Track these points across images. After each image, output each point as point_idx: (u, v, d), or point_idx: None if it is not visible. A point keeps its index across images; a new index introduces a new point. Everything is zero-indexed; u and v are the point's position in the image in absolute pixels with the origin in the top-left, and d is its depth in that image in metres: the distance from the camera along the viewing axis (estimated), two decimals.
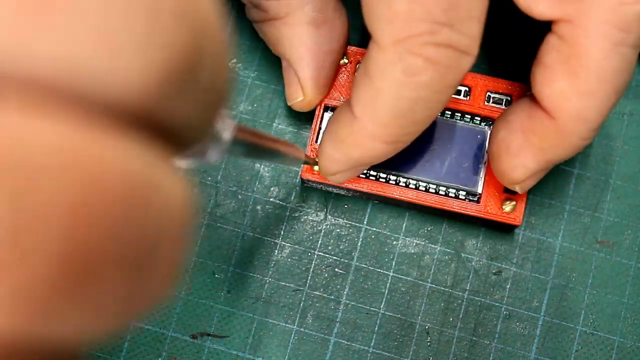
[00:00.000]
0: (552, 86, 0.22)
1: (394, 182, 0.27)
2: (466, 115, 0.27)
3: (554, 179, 0.29)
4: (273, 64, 0.30)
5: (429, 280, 0.28)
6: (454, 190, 0.27)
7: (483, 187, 0.27)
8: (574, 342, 0.28)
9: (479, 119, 0.27)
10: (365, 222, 0.29)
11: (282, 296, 0.28)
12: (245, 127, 0.16)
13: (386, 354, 0.28)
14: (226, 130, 0.14)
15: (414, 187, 0.27)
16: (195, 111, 0.09)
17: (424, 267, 0.29)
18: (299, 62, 0.26)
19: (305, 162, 0.26)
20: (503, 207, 0.27)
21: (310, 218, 0.29)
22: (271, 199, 0.29)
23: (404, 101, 0.20)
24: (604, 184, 0.29)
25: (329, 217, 0.29)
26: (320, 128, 0.27)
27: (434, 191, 0.27)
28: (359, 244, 0.29)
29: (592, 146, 0.29)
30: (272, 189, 0.29)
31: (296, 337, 0.28)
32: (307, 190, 0.29)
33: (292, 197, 0.29)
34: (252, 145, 0.17)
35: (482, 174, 0.27)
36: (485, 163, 0.27)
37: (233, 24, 0.30)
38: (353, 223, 0.29)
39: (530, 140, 0.23)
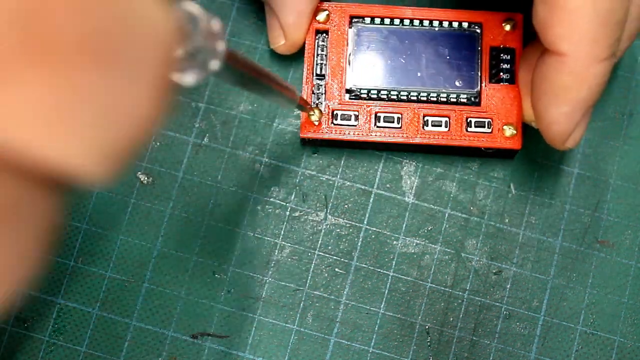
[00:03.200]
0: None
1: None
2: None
3: (554, 179, 0.29)
4: (273, 64, 0.30)
5: (429, 280, 0.28)
6: (454, 96, 0.27)
7: (481, 86, 0.28)
8: (574, 342, 0.28)
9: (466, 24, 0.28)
10: (365, 222, 0.29)
11: (282, 296, 0.28)
12: (238, 54, 0.16)
13: (386, 354, 0.28)
14: (218, 52, 0.14)
15: (418, 98, 0.28)
16: None
17: (424, 267, 0.29)
18: (281, 7, 0.27)
19: (299, 107, 0.26)
20: (504, 131, 0.27)
21: (310, 218, 0.29)
22: (271, 199, 0.29)
23: (602, 2, 0.21)
24: (604, 184, 0.29)
25: (329, 217, 0.29)
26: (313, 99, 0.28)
27: (435, 99, 0.28)
28: (359, 244, 0.29)
29: (592, 146, 0.29)
30: (272, 189, 0.29)
31: (296, 337, 0.28)
32: (307, 190, 0.29)
33: (292, 197, 0.29)
34: (244, 75, 0.17)
35: (478, 72, 0.28)
36: (478, 62, 0.28)
37: (232, 24, 0.30)
38: (353, 223, 0.29)
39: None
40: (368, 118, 0.27)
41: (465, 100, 0.27)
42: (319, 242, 0.29)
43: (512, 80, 0.28)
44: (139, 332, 0.28)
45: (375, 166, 0.29)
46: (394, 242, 0.29)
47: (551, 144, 0.25)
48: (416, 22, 0.28)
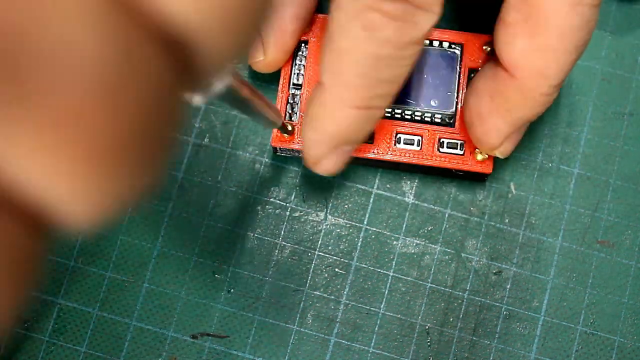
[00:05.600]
0: (513, 44, 0.22)
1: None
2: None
3: (554, 179, 0.29)
4: None
5: (429, 280, 0.28)
6: (429, 115, 0.27)
7: (456, 107, 0.27)
8: (574, 342, 0.28)
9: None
10: (365, 222, 0.29)
11: (282, 296, 0.28)
12: (240, 76, 0.16)
13: (386, 354, 0.28)
14: (225, 74, 0.14)
15: (394, 116, 0.27)
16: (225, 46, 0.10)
17: (424, 267, 0.29)
18: None
19: (280, 128, 0.26)
20: (476, 155, 0.27)
21: (310, 218, 0.29)
22: (271, 199, 0.29)
23: (366, 58, 0.21)
24: (604, 184, 0.29)
25: (329, 217, 0.29)
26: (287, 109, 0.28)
27: (409, 117, 0.27)
28: (359, 244, 0.29)
29: (592, 146, 0.29)
30: (272, 189, 0.29)
31: (296, 337, 0.28)
32: (307, 190, 0.29)
33: (292, 197, 0.29)
34: (242, 97, 0.17)
35: (455, 94, 0.27)
36: (456, 83, 0.27)
37: None
38: (353, 223, 0.29)
39: (497, 101, 0.24)
40: None
41: (439, 121, 0.27)
42: (319, 242, 0.29)
43: None
44: (139, 332, 0.28)
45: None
46: (394, 242, 0.29)
47: (306, 162, 0.25)
48: None
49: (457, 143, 0.27)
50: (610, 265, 0.29)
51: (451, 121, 0.27)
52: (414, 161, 0.27)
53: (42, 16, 0.08)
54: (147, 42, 0.09)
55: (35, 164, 0.08)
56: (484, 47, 0.27)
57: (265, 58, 0.27)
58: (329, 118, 0.22)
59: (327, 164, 0.24)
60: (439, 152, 0.27)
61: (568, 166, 0.29)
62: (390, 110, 0.27)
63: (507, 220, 0.29)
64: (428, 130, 0.27)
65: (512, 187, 0.29)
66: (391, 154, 0.27)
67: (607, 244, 0.29)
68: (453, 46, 0.28)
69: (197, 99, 0.13)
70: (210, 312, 0.28)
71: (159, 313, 0.28)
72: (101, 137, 0.08)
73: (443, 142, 0.27)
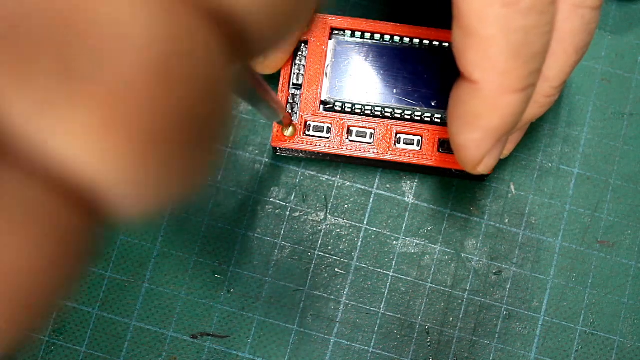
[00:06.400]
0: None
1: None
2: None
3: (554, 179, 0.29)
4: None
5: (429, 280, 0.28)
6: (429, 115, 0.27)
7: None
8: (574, 342, 0.28)
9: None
10: (365, 222, 0.29)
11: (282, 296, 0.28)
12: (251, 68, 0.16)
13: (386, 354, 0.28)
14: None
15: (397, 116, 0.27)
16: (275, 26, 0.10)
17: (424, 267, 0.29)
18: None
19: (280, 122, 0.26)
20: None
21: (310, 218, 0.29)
22: (271, 199, 0.29)
23: (516, 34, 0.20)
24: (604, 184, 0.29)
25: (329, 217, 0.29)
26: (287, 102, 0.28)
27: (409, 117, 0.27)
28: (359, 244, 0.29)
29: (592, 146, 0.30)
30: (272, 189, 0.29)
31: (296, 337, 0.28)
32: (307, 190, 0.29)
33: (292, 197, 0.29)
34: (251, 88, 0.17)
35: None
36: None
37: None
38: (353, 223, 0.29)
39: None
40: (340, 131, 0.27)
41: (439, 121, 0.27)
42: (319, 242, 0.29)
43: None
44: (139, 332, 0.28)
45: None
46: (394, 242, 0.29)
47: (463, 167, 0.24)
48: (397, 39, 0.28)
49: None
50: (610, 265, 0.29)
51: None
52: (414, 161, 0.27)
53: None
54: (196, 17, 0.08)
55: (86, 143, 0.08)
56: None
57: (265, 59, 0.27)
58: (492, 112, 0.22)
59: (489, 161, 0.23)
60: (439, 152, 0.27)
61: (568, 166, 0.29)
62: (390, 110, 0.27)
63: (507, 220, 0.29)
64: (428, 130, 0.27)
65: (512, 187, 0.29)
66: (391, 154, 0.27)
67: (607, 244, 0.29)
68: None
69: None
70: (210, 312, 0.28)
71: (159, 313, 0.28)
72: (154, 117, 0.08)
73: (443, 142, 0.27)
